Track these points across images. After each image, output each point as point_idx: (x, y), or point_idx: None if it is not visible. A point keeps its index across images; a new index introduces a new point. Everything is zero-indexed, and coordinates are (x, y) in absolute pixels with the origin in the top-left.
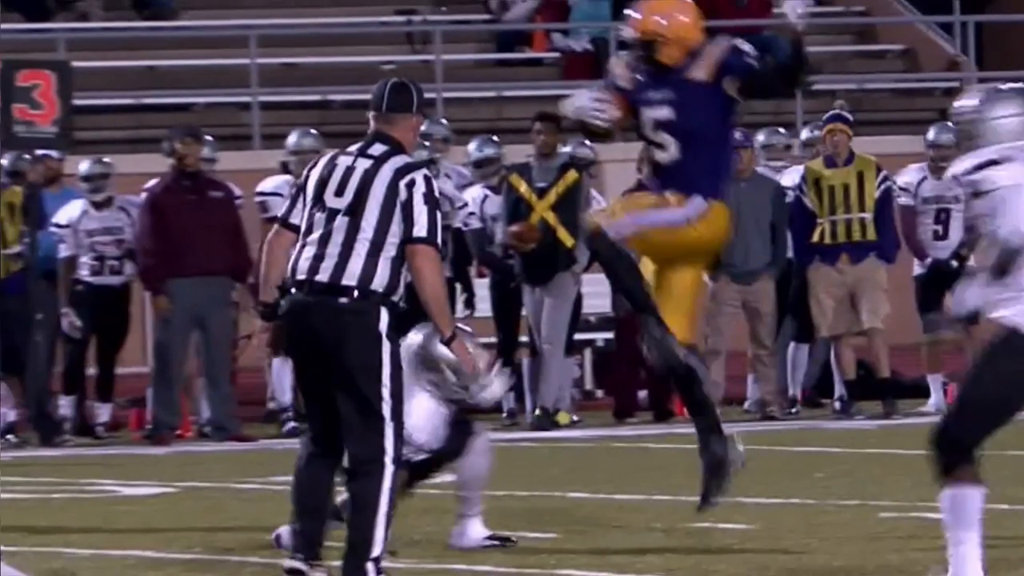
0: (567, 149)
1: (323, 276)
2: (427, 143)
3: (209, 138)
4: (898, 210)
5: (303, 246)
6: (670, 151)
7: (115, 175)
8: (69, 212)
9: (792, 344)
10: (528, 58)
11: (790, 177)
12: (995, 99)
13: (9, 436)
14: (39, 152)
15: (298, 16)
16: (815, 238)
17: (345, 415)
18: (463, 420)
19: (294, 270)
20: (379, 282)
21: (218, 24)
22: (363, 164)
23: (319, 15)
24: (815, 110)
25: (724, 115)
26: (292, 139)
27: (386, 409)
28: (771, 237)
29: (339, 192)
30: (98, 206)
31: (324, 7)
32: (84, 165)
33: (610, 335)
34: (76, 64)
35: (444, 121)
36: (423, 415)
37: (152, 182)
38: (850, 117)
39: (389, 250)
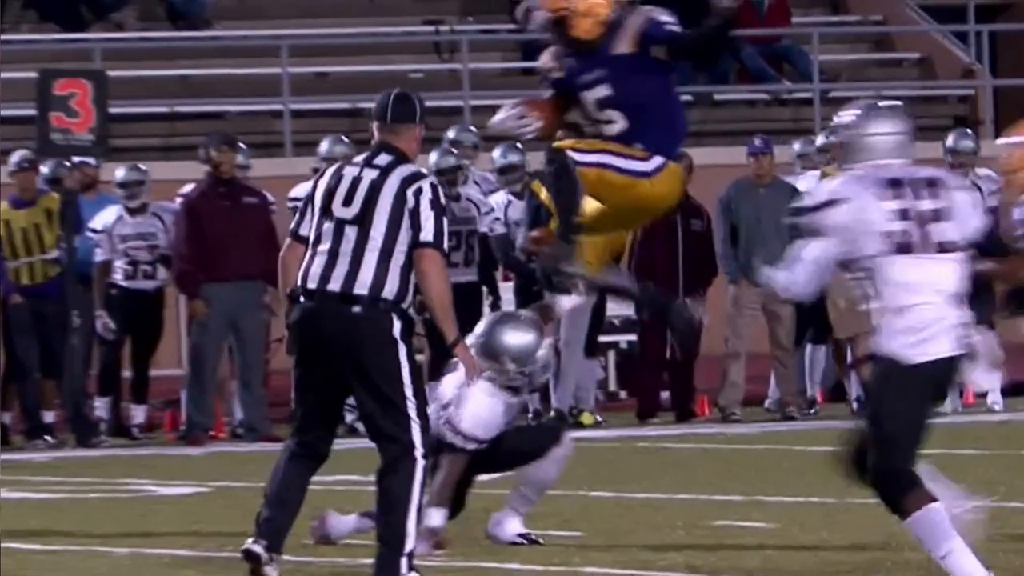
0: None
1: (335, 285)
2: (455, 150)
3: (243, 146)
4: None
5: (313, 256)
6: (619, 123)
7: (150, 182)
8: (105, 218)
9: (809, 346)
10: None
11: (806, 182)
12: (873, 116)
13: (47, 437)
14: (76, 159)
15: (328, 26)
16: None
17: (370, 417)
18: (554, 427)
19: (304, 279)
20: (390, 290)
21: (250, 34)
22: (370, 174)
23: (349, 25)
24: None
25: (660, 78)
26: (324, 146)
27: (411, 408)
28: (791, 241)
29: (347, 202)
30: (133, 212)
31: (354, 17)
32: (120, 172)
33: (633, 338)
34: (112, 73)
35: (473, 128)
36: (477, 406)
37: (187, 188)
38: None
39: (398, 258)
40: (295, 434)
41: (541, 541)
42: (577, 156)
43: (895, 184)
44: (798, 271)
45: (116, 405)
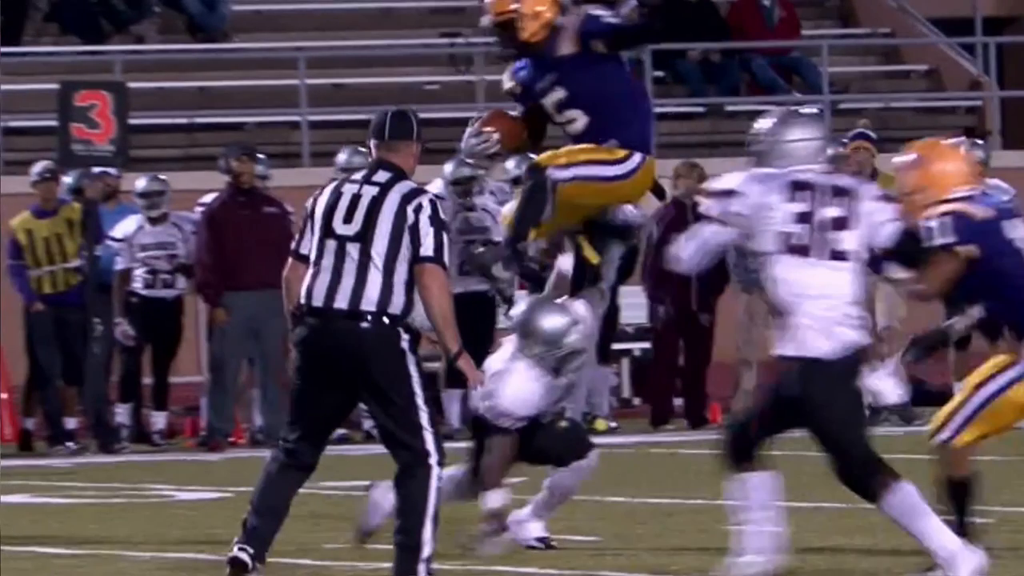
0: None
1: (341, 303)
2: (470, 160)
3: (262, 156)
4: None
5: (316, 274)
6: (581, 121)
7: (170, 192)
8: (125, 227)
9: None
10: None
11: None
12: (791, 122)
13: (69, 443)
14: (98, 169)
15: (345, 39)
16: None
17: (384, 427)
18: (584, 440)
19: (309, 297)
20: (396, 305)
21: (268, 47)
22: (369, 191)
23: (365, 38)
24: (843, 128)
25: (610, 70)
26: (343, 157)
27: (423, 417)
28: None
29: (347, 219)
30: (153, 222)
31: (370, 30)
32: (141, 182)
33: (647, 345)
34: (132, 85)
35: None
36: (517, 383)
37: (208, 198)
38: (873, 135)
39: (401, 273)
40: (287, 445)
41: (556, 545)
42: (557, 173)
43: (802, 187)
44: (689, 246)
45: (137, 411)
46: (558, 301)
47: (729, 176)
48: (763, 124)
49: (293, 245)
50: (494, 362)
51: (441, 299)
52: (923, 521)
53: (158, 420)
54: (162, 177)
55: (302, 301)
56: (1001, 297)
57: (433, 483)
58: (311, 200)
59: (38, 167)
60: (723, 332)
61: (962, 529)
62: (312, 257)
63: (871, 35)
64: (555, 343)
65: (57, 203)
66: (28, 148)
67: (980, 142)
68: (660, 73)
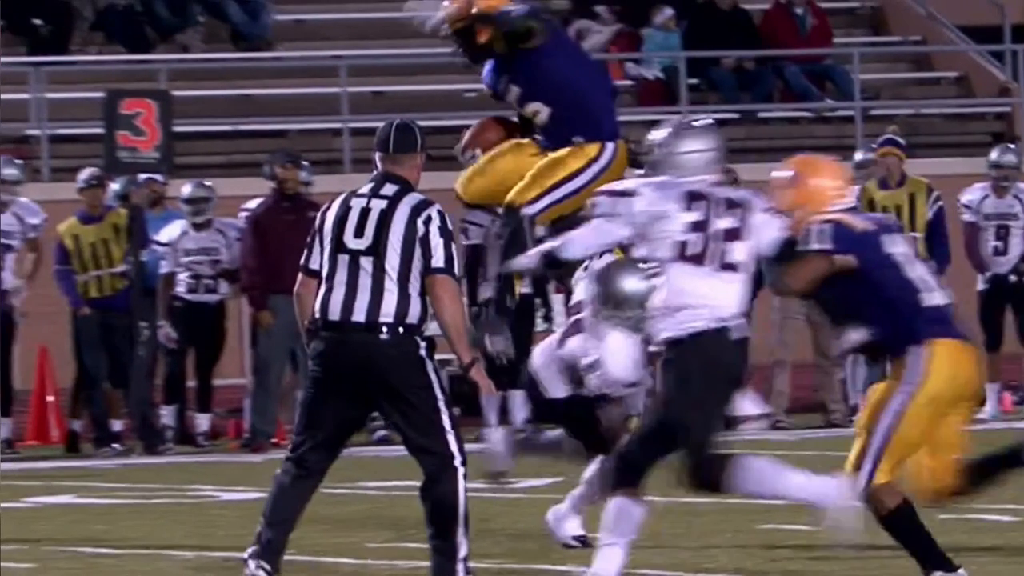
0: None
1: (359, 316)
2: None
3: (306, 163)
4: (962, 226)
5: (330, 288)
6: (543, 112)
7: (216, 198)
8: (170, 231)
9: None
10: None
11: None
12: (684, 134)
13: (115, 445)
14: (145, 176)
15: (385, 47)
16: None
17: (406, 434)
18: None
19: (325, 312)
20: (412, 315)
21: (310, 55)
22: (378, 204)
23: (404, 46)
24: (875, 134)
25: (546, 59)
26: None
27: (445, 420)
28: None
29: (358, 233)
30: (197, 227)
31: (409, 39)
32: (187, 188)
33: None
34: (176, 93)
35: None
36: (616, 349)
37: (253, 203)
38: (902, 141)
39: (415, 284)
40: (298, 455)
41: (592, 545)
42: (530, 209)
43: (697, 198)
44: (576, 237)
45: (181, 414)
46: (627, 262)
47: (628, 180)
48: (657, 135)
49: (302, 261)
50: (574, 348)
51: (453, 310)
52: (780, 480)
53: (202, 422)
54: (208, 184)
55: (317, 316)
56: (878, 310)
57: (461, 484)
58: (319, 215)
59: (84, 174)
60: (757, 334)
61: (929, 555)
62: (324, 272)
63: (902, 43)
64: (642, 303)
65: (103, 209)
66: (75, 155)
67: (1012, 147)
68: (695, 80)
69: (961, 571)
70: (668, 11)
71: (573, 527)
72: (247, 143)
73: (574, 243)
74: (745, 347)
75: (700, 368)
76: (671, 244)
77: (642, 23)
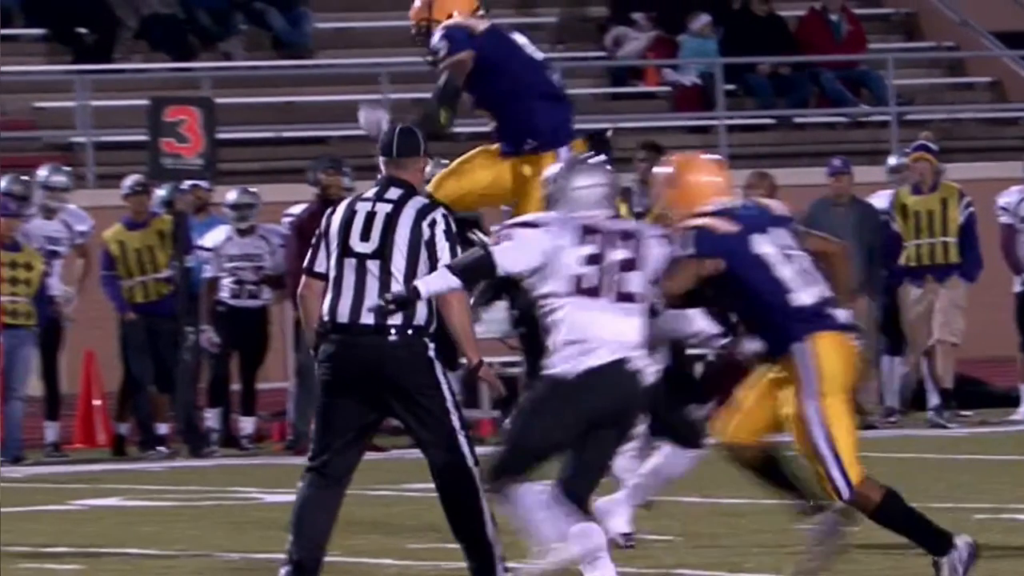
0: None
1: (368, 319)
2: None
3: (348, 169)
4: (998, 228)
5: (338, 292)
6: (493, 120)
7: (260, 204)
8: (214, 236)
9: (885, 357)
10: (641, 92)
11: (879, 201)
12: (577, 170)
13: (161, 448)
14: (190, 182)
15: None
16: (902, 260)
17: (417, 435)
18: (701, 430)
19: (333, 315)
20: (420, 317)
21: (352, 62)
22: (383, 208)
23: None
24: (909, 139)
25: (497, 70)
26: (427, 169)
27: (455, 421)
28: (868, 258)
29: (364, 237)
30: (241, 233)
31: None
32: (232, 194)
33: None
34: (219, 100)
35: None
36: (684, 314)
37: (296, 209)
38: (935, 147)
39: None
40: (318, 463)
41: (633, 543)
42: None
43: (591, 231)
44: (469, 258)
45: (226, 417)
46: None
47: (532, 214)
48: (551, 171)
49: (306, 263)
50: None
51: (460, 311)
52: (538, 514)
53: (246, 425)
54: (252, 190)
55: (325, 319)
56: (757, 311)
57: (479, 483)
58: (324, 218)
59: (129, 180)
60: None
61: (934, 538)
62: (332, 276)
63: (936, 48)
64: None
65: (148, 215)
66: (120, 162)
67: None
68: (731, 86)
69: (960, 539)
70: (705, 18)
71: (620, 524)
72: (289, 150)
73: (507, 257)
74: (642, 377)
75: (579, 397)
76: (567, 278)
77: (679, 30)
